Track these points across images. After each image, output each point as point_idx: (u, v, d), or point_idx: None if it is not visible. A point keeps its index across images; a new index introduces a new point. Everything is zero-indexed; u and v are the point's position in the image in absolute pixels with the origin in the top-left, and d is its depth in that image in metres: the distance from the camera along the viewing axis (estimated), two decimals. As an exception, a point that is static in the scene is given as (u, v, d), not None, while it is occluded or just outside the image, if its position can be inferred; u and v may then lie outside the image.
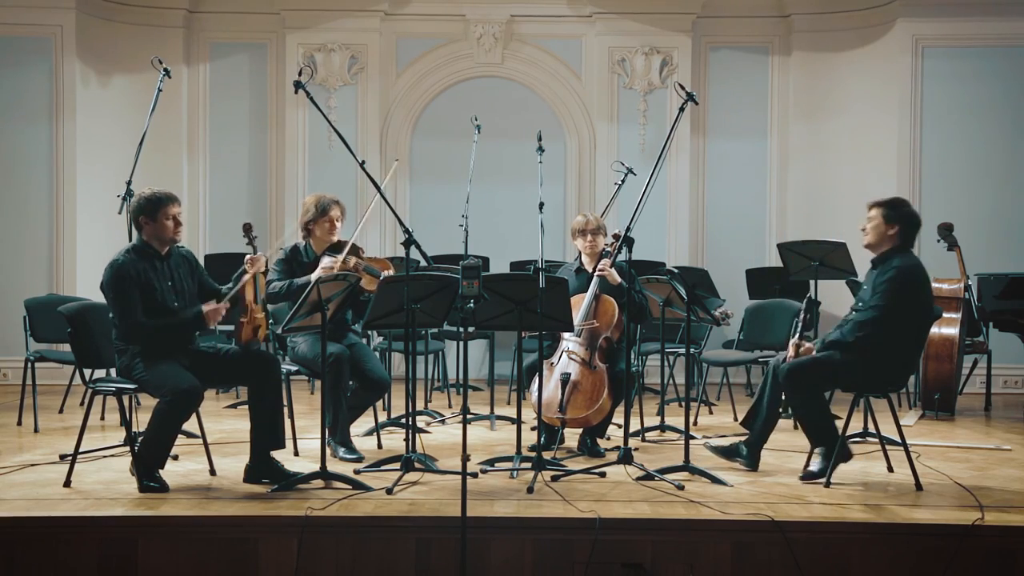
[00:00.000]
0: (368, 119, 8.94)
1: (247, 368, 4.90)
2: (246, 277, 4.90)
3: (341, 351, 5.36)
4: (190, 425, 4.93)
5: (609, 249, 5.65)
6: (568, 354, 5.53)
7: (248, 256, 4.93)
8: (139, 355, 4.73)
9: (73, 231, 8.49)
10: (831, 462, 4.85)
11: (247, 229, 5.12)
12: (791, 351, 5.07)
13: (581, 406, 5.39)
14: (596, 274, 5.59)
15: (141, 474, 4.63)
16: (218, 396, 7.74)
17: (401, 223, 5.05)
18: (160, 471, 4.68)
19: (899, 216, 4.98)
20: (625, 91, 8.97)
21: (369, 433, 5.93)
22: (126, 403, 4.89)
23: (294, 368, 5.71)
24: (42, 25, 8.44)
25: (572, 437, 5.79)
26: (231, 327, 5.05)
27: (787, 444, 5.82)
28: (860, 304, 5.04)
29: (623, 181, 6.57)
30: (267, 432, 4.84)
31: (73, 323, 4.86)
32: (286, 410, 5.75)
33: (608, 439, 5.95)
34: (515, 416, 5.30)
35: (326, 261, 5.41)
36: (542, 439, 5.24)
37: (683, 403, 5.81)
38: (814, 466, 4.99)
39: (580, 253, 5.96)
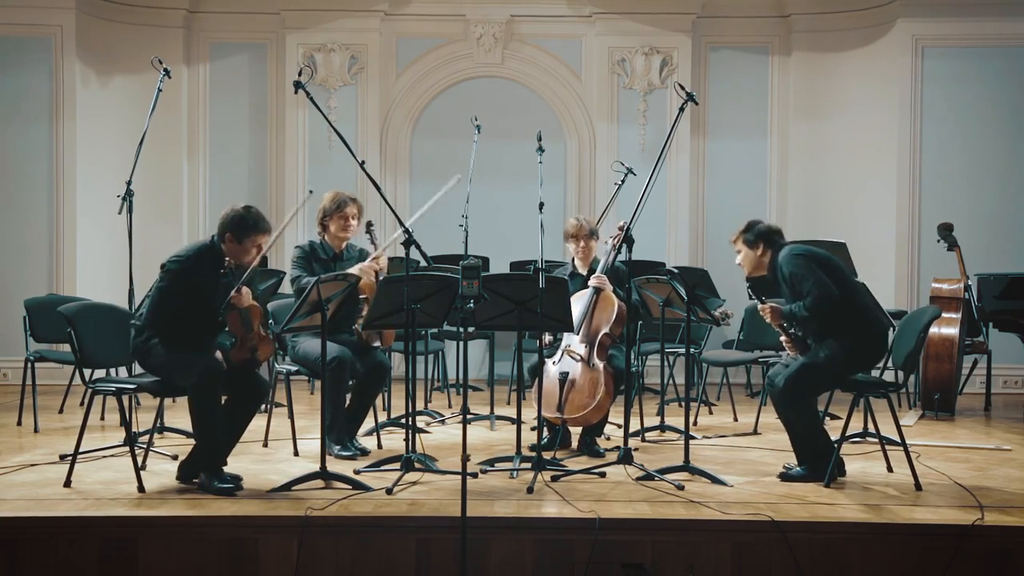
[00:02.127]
0: (368, 119, 8.94)
1: (237, 383, 4.80)
2: (231, 314, 4.72)
3: (343, 353, 5.35)
4: (190, 425, 4.92)
5: (611, 242, 5.63)
6: (568, 352, 5.53)
7: (231, 295, 4.67)
8: (160, 342, 4.68)
9: (73, 231, 8.48)
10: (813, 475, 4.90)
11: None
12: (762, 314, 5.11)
13: (579, 405, 5.39)
14: (591, 285, 5.59)
15: (210, 477, 4.61)
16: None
17: (401, 223, 5.05)
18: (225, 467, 4.68)
19: (756, 235, 5.14)
20: (625, 91, 8.97)
21: (369, 433, 5.92)
22: (126, 403, 4.88)
23: (294, 368, 5.72)
24: (42, 25, 8.43)
25: (573, 438, 5.79)
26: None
27: (787, 444, 5.81)
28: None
29: (623, 181, 6.56)
30: (224, 442, 4.78)
31: (73, 323, 4.85)
32: (286, 410, 5.79)
33: (608, 439, 5.96)
34: (515, 416, 5.30)
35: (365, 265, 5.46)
36: (543, 439, 5.24)
37: (683, 403, 5.81)
38: (797, 471, 5.00)
39: (573, 257, 5.97)
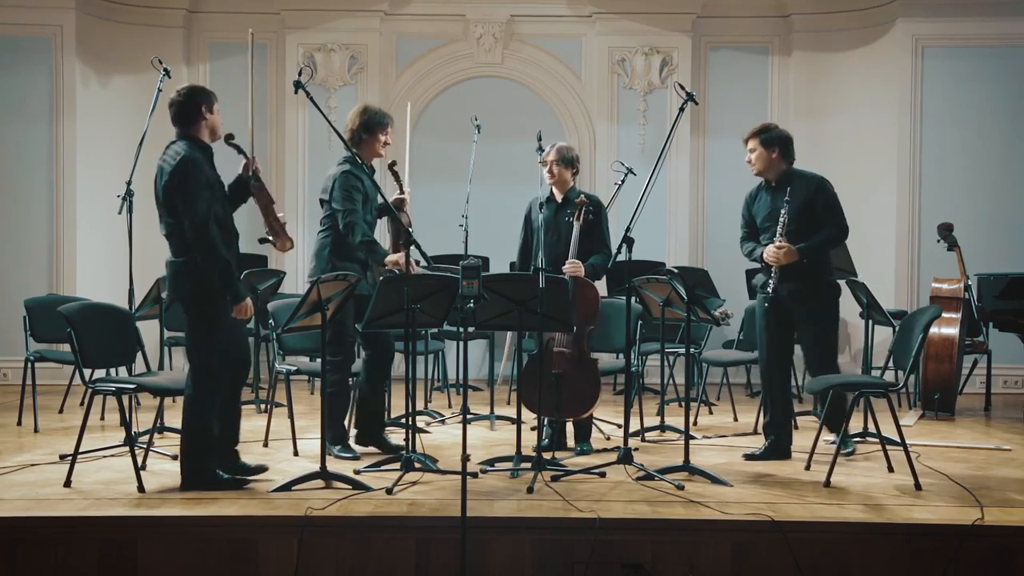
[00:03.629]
0: (368, 119, 8.92)
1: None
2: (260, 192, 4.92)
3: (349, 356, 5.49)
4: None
5: (575, 214, 5.58)
6: (558, 352, 5.49)
7: (250, 165, 4.90)
8: (220, 295, 4.59)
9: (73, 231, 8.48)
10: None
11: (228, 138, 5.02)
12: (775, 255, 5.33)
13: (578, 404, 5.39)
14: (566, 274, 5.50)
15: (210, 470, 4.66)
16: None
17: (401, 223, 5.05)
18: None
19: (774, 139, 5.54)
20: (625, 91, 8.97)
21: (369, 433, 5.92)
22: (126, 403, 4.89)
23: (294, 368, 5.72)
24: (42, 25, 8.44)
25: (568, 438, 5.79)
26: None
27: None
28: (781, 222, 5.36)
29: (623, 181, 6.57)
30: (232, 427, 4.92)
31: (73, 323, 4.85)
32: (286, 410, 5.79)
33: (608, 439, 5.97)
34: (515, 416, 5.30)
35: (393, 257, 5.38)
36: (544, 440, 5.24)
37: (683, 403, 5.81)
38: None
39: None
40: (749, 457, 5.52)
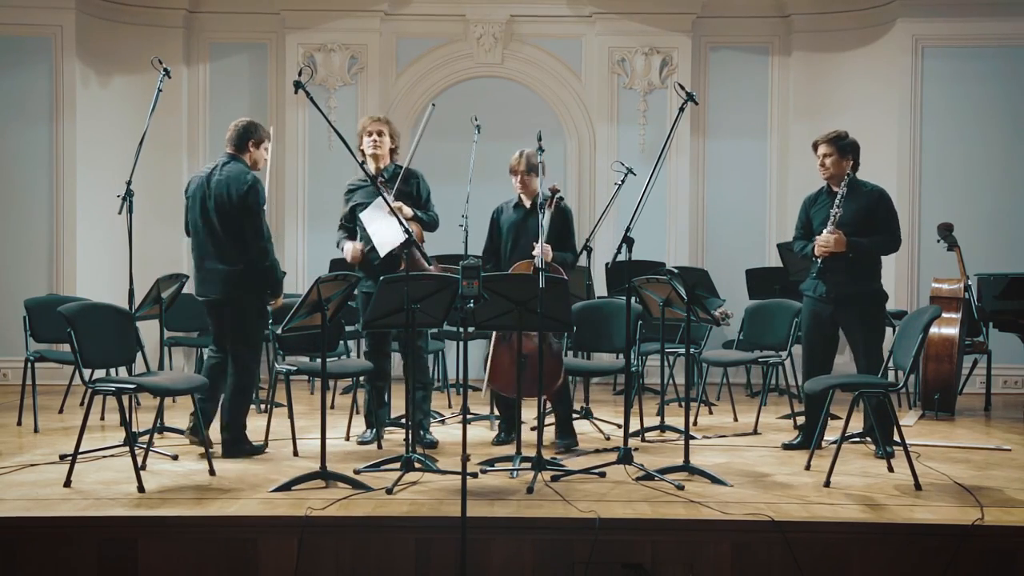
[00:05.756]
0: (368, 119, 8.93)
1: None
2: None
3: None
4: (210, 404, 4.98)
5: (547, 198, 5.62)
6: (526, 334, 5.46)
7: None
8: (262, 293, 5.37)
9: (73, 231, 8.48)
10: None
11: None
12: (827, 239, 5.56)
13: (538, 386, 5.42)
14: (535, 256, 5.51)
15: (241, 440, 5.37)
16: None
17: (401, 223, 5.05)
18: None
19: (850, 147, 5.71)
20: (625, 91, 8.97)
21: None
22: (126, 403, 4.88)
23: (294, 368, 5.72)
24: (42, 25, 8.44)
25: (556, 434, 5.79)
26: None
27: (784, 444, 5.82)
28: (834, 214, 5.55)
29: (623, 181, 6.55)
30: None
31: (73, 323, 4.85)
32: (286, 410, 5.79)
33: (608, 439, 5.96)
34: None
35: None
36: (501, 435, 5.54)
37: (683, 403, 5.81)
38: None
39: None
40: (787, 446, 5.77)
